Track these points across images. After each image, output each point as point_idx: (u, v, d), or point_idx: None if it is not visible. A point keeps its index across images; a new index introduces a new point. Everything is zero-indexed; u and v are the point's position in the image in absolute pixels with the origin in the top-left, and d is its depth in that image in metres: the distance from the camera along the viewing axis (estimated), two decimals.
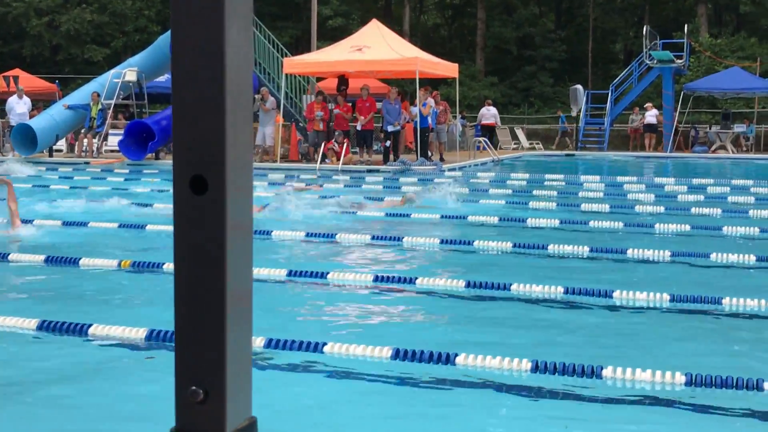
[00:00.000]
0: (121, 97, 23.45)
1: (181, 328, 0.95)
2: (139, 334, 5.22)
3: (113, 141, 22.91)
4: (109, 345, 5.18)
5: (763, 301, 6.14)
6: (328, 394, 4.51)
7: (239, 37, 0.93)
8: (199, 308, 0.94)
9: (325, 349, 4.92)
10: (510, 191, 15.12)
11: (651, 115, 30.73)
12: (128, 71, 23.08)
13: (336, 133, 21.40)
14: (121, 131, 22.02)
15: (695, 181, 16.75)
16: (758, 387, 4.22)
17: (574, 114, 31.00)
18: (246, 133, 0.96)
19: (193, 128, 0.93)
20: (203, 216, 0.93)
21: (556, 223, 10.64)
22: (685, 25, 32.92)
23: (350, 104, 22.63)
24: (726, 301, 6.20)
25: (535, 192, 14.94)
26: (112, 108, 23.26)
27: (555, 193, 14.99)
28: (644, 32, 31.58)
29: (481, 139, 25.98)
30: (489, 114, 29.92)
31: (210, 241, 0.93)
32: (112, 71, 23.90)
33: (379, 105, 22.22)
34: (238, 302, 0.95)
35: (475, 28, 45.65)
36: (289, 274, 7.23)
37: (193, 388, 0.94)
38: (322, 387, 4.61)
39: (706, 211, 12.04)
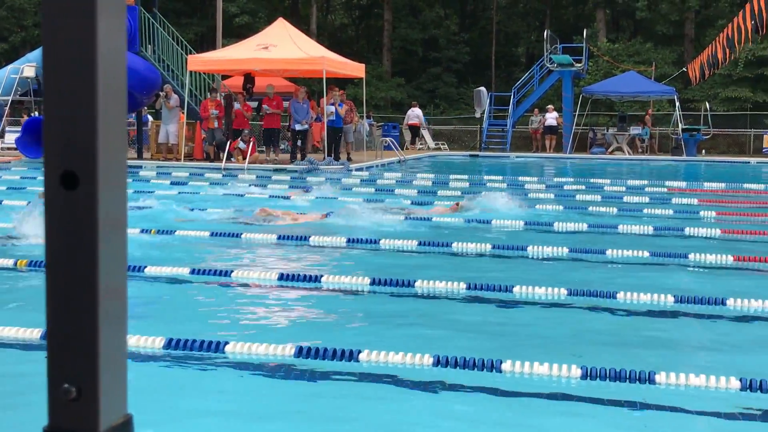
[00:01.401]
0: (18, 93, 22.66)
1: (53, 325, 0.93)
2: (34, 334, 5.07)
3: (10, 138, 22.12)
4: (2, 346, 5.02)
5: (656, 296, 6.36)
6: (231, 393, 4.46)
7: (111, 28, 0.91)
8: (71, 305, 0.92)
9: (227, 348, 4.88)
10: (415, 191, 15.26)
11: (551, 117, 31.53)
12: (26, 67, 22.34)
13: (243, 132, 21.20)
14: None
15: (593, 180, 17.25)
16: (650, 380, 4.37)
17: (477, 116, 31.50)
18: (119, 128, 0.95)
19: (64, 122, 0.90)
20: (74, 212, 0.91)
21: (460, 221, 10.78)
22: (584, 30, 33.86)
23: (255, 103, 22.46)
24: (620, 295, 6.41)
25: (439, 192, 15.12)
26: (9, 105, 22.45)
27: (459, 192, 15.20)
28: (545, 36, 32.33)
29: (388, 139, 26.15)
30: (413, 114, 32.04)
31: (81, 237, 0.91)
32: (10, 67, 23.08)
33: (286, 104, 22.13)
34: (111, 299, 0.93)
35: (382, 28, 45.88)
36: (193, 272, 7.15)
37: (66, 385, 0.92)
38: (224, 385, 4.57)
39: (602, 209, 12.42)
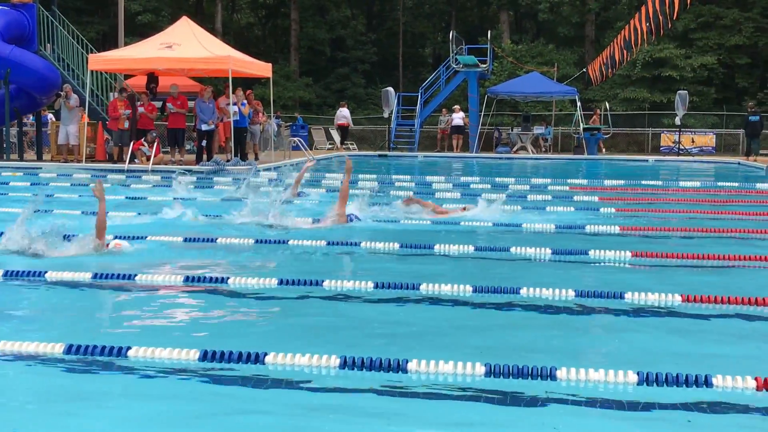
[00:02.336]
0: None
1: None
2: None
3: None
4: None
5: (557, 291, 6.51)
6: (135, 398, 4.37)
7: None
8: None
9: (129, 353, 4.78)
10: (324, 190, 15.24)
11: (458, 117, 31.96)
12: None
13: (148, 133, 20.76)
14: None
15: (498, 179, 17.55)
16: (551, 376, 4.47)
17: (386, 116, 31.68)
18: None
19: None
20: None
21: (369, 221, 10.81)
22: (489, 31, 34.43)
23: (159, 103, 22.03)
24: (524, 291, 6.54)
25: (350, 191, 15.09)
26: None
27: (368, 192, 15.22)
28: (451, 37, 32.73)
29: (296, 139, 26.05)
30: (341, 115, 32.76)
31: None
32: None
33: (191, 104, 21.79)
34: None
35: (289, 28, 45.65)
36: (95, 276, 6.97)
37: None
38: (128, 390, 4.47)
39: (507, 207, 12.64)
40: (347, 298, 6.60)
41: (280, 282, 6.82)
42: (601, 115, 31.91)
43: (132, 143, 20.33)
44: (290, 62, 44.61)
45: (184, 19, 22.59)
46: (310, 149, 27.23)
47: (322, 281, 6.79)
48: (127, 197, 13.69)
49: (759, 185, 17.53)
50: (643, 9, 18.01)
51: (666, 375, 4.40)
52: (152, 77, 22.89)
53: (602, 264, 8.18)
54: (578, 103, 31.70)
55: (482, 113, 31.93)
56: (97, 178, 10.73)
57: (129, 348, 4.82)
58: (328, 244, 8.89)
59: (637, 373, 4.44)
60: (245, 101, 21.94)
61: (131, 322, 5.94)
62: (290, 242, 8.90)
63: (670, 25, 21.43)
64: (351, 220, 10.37)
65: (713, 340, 5.65)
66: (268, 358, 4.68)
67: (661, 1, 16.20)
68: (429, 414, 4.19)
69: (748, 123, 28.24)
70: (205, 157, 20.82)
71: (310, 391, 4.43)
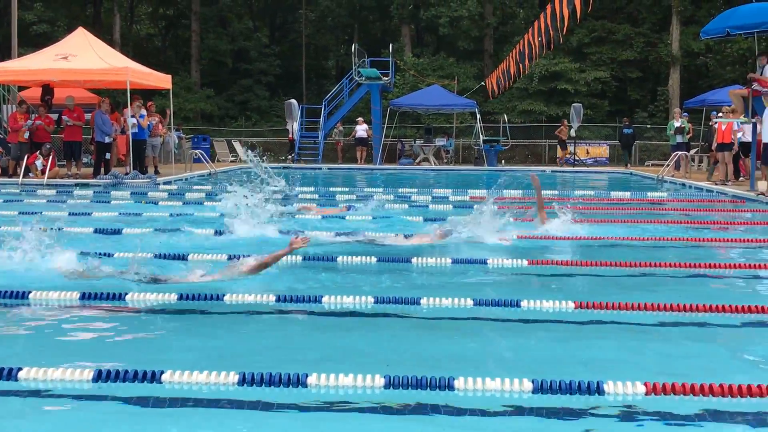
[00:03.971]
0: None
1: None
2: None
3: None
4: None
5: (456, 300, 6.60)
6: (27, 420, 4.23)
7: None
8: None
9: (20, 374, 4.63)
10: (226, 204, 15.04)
11: (361, 130, 32.17)
12: None
13: (44, 146, 20.12)
14: None
15: (401, 190, 17.72)
16: (449, 386, 4.53)
17: (289, 128, 31.58)
18: None
19: None
20: None
21: (273, 233, 10.72)
22: (390, 45, 34.75)
23: (55, 115, 21.42)
24: (424, 301, 6.61)
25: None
26: None
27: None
28: (353, 50, 32.92)
29: (197, 151, 25.68)
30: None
31: None
32: None
33: (88, 116, 21.26)
34: None
35: (190, 39, 45.02)
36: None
37: None
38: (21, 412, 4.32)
39: (410, 218, 12.78)
40: (247, 312, 6.53)
41: (180, 297, 6.69)
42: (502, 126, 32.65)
43: (27, 156, 19.68)
44: (191, 74, 44.00)
45: (81, 30, 22.05)
46: (213, 162, 26.88)
47: (224, 295, 6.71)
48: (20, 212, 13.23)
49: (650, 194, 18.21)
50: (536, 24, 18.52)
51: (560, 382, 4.52)
52: (47, 89, 22.22)
53: (500, 273, 8.34)
54: (478, 116, 32.30)
55: (385, 125, 32.19)
56: None
57: (20, 369, 4.66)
58: (229, 257, 8.76)
59: (533, 381, 4.54)
60: (144, 113, 21.52)
61: (22, 342, 5.74)
62: (190, 257, 8.74)
63: (560, 40, 22.11)
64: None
65: (605, 347, 5.82)
66: (165, 376, 4.60)
67: (552, 17, 16.69)
68: (328, 427, 4.19)
69: (622, 135, 31.58)
70: (102, 170, 20.32)
71: (207, 409, 4.37)
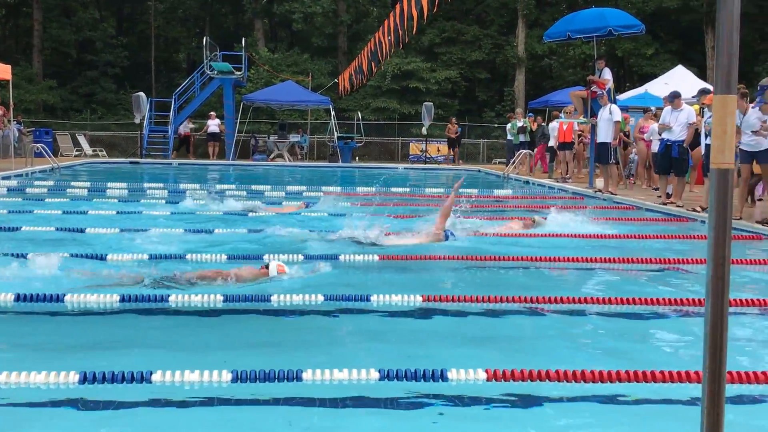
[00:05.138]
0: None
1: None
2: None
3: None
4: None
5: (307, 296, 6.62)
6: None
7: None
8: None
9: None
10: (68, 199, 14.50)
11: (214, 124, 31.69)
12: None
13: None
14: None
15: (254, 187, 17.57)
16: (297, 377, 4.54)
17: (137, 121, 30.67)
18: None
19: None
20: None
21: (116, 231, 10.41)
22: (243, 39, 34.36)
23: None
24: (274, 298, 6.59)
25: (95, 200, 14.50)
26: None
27: (116, 200, 14.70)
28: (205, 43, 32.33)
29: (39, 145, 24.54)
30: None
31: None
32: None
33: None
34: None
35: (32, 29, 42.90)
36: None
37: None
38: None
39: (262, 214, 12.70)
40: (92, 313, 6.32)
41: (17, 299, 6.40)
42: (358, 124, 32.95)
43: None
44: (33, 64, 41.94)
45: None
46: (55, 156, 25.74)
47: (63, 296, 6.45)
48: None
49: (497, 191, 18.84)
50: (386, 22, 18.79)
51: (405, 371, 4.62)
52: None
53: (353, 266, 8.43)
54: (332, 112, 32.44)
55: (238, 120, 31.82)
56: None
57: None
58: (71, 255, 8.44)
59: (379, 370, 4.62)
60: None
61: None
62: (29, 255, 8.36)
63: (407, 39, 22.57)
64: (447, 237, 9.94)
65: (451, 336, 5.99)
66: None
67: (401, 16, 17.00)
68: (173, 423, 4.14)
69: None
70: None
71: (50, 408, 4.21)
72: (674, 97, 15.00)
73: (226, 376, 4.52)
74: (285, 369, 4.56)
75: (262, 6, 42.50)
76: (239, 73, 31.85)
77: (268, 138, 33.15)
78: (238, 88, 33.85)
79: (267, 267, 7.47)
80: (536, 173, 24.90)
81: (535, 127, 26.67)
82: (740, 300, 6.89)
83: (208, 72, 31.65)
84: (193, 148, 32.81)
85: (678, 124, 14.70)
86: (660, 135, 15.49)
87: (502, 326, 6.36)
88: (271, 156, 31.50)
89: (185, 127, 32.38)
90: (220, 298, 6.52)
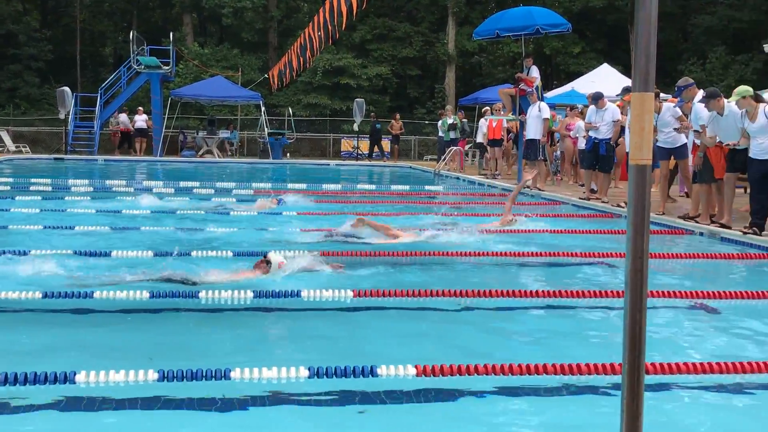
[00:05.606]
0: None
1: None
2: None
3: None
4: None
5: (235, 293, 6.56)
6: None
7: None
8: None
9: None
10: None
11: (141, 120, 31.13)
12: None
13: None
14: None
15: (183, 183, 17.32)
16: (226, 376, 4.50)
17: (62, 117, 29.97)
18: None
19: None
20: None
21: (39, 227, 10.17)
22: (171, 33, 33.84)
23: None
24: (202, 294, 6.52)
25: (18, 197, 14.13)
26: None
27: (40, 198, 14.34)
28: (132, 37, 31.76)
29: None
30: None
31: None
32: None
33: None
34: None
35: None
36: None
37: None
38: None
39: (190, 212, 12.53)
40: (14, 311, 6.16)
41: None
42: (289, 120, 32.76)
43: None
44: None
45: None
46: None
47: None
48: None
49: (428, 187, 18.98)
50: (315, 18, 18.74)
51: (335, 368, 4.62)
52: None
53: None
54: (263, 108, 32.20)
55: (166, 116, 31.34)
56: None
57: None
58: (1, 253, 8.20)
59: (309, 368, 4.60)
60: None
61: None
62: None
63: (337, 35, 22.56)
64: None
65: (379, 331, 6.02)
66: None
67: (331, 12, 16.98)
68: (97, 424, 4.05)
69: (373, 130, 32.67)
70: None
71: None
72: (597, 99, 15.30)
73: (152, 375, 4.45)
74: (213, 368, 4.51)
75: (191, 0, 41.90)
76: (167, 67, 31.37)
77: (197, 134, 32.74)
78: (166, 83, 33.34)
79: (267, 262, 7.32)
80: (467, 169, 25.14)
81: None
82: (660, 292, 7.08)
83: (135, 67, 31.10)
84: (117, 145, 32.13)
85: (604, 123, 15.01)
86: (586, 133, 15.81)
87: (433, 322, 6.40)
88: (200, 152, 31.11)
89: (125, 124, 31.64)
90: (146, 294, 6.42)
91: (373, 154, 32.91)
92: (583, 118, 17.11)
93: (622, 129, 15.03)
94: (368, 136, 33.17)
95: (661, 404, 4.52)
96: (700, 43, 39.28)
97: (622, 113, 14.92)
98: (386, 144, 34.30)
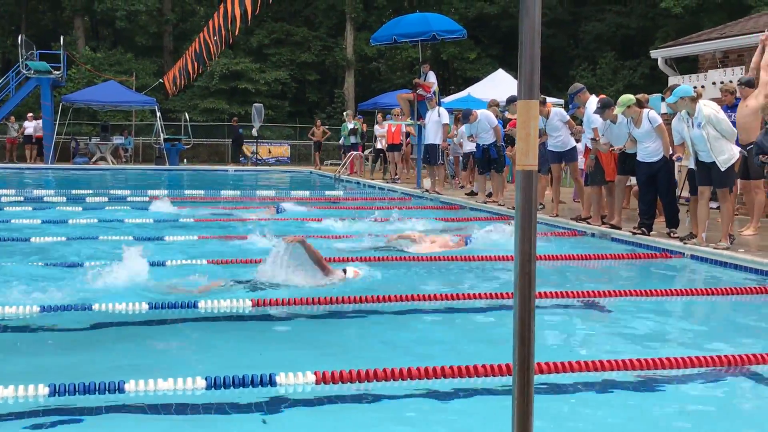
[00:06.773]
0: None
1: None
2: None
3: None
4: None
5: (131, 305, 6.42)
6: None
7: None
8: None
9: None
10: None
11: (31, 126, 30.10)
12: None
13: None
14: None
15: (75, 191, 16.82)
16: (120, 389, 4.39)
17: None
18: None
19: None
20: None
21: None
22: (62, 37, 32.83)
23: None
24: (96, 306, 6.35)
25: None
26: None
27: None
28: (20, 41, 30.68)
29: None
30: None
31: None
32: None
33: None
34: None
35: None
36: None
37: None
38: None
39: (83, 221, 12.17)
40: None
41: None
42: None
43: None
44: None
45: None
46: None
47: None
48: None
49: (328, 192, 18.98)
50: (210, 22, 18.50)
51: (233, 377, 4.57)
52: None
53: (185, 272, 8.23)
54: (158, 113, 31.57)
55: (58, 122, 30.38)
56: None
57: None
58: None
59: (206, 378, 4.54)
60: None
61: None
62: None
63: (231, 40, 22.34)
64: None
65: (280, 341, 5.98)
66: None
67: (225, 16, 16.79)
68: None
69: (236, 135, 32.83)
70: None
71: None
72: (467, 116, 15.56)
73: (43, 389, 4.31)
74: (106, 381, 4.40)
75: (82, 3, 40.68)
76: (58, 72, 30.42)
77: (90, 140, 31.83)
78: (57, 88, 32.32)
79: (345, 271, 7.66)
80: (365, 174, 25.24)
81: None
82: (550, 293, 7.27)
83: (24, 71, 30.04)
84: (10, 152, 30.90)
85: (482, 131, 15.41)
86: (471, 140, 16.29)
87: (332, 329, 6.40)
88: (94, 159, 30.28)
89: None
90: (36, 309, 6.22)
91: (240, 158, 32.84)
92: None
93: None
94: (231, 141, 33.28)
95: (552, 404, 4.63)
96: (590, 49, 40.50)
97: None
98: (285, 149, 34.11)
